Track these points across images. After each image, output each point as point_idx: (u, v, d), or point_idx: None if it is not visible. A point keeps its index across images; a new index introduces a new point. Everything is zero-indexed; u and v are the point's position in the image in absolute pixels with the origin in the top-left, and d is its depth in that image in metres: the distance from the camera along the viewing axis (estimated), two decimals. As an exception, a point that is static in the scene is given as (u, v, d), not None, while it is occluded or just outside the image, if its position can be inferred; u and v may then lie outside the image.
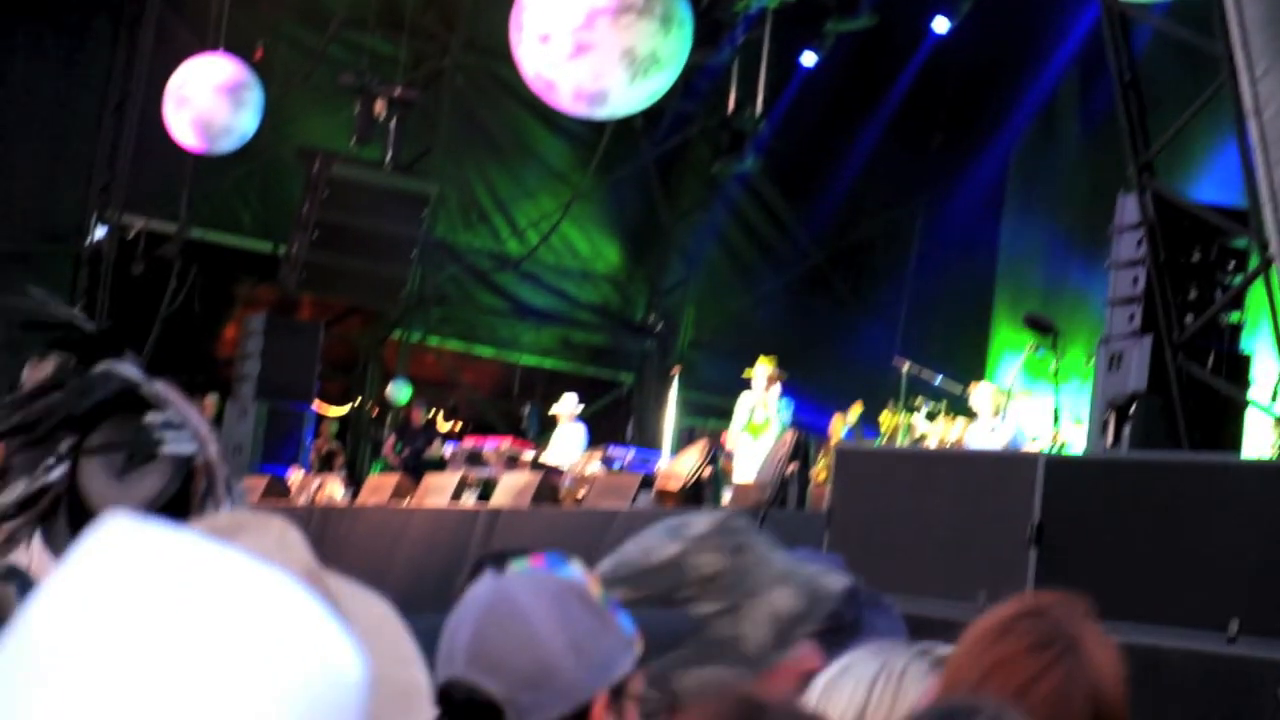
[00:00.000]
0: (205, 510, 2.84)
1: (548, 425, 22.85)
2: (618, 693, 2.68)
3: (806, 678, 3.09)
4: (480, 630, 2.68)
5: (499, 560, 5.28)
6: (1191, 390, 13.96)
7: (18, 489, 2.88)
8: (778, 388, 19.16)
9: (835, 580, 3.13)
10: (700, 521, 3.06)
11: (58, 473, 2.90)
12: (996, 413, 17.80)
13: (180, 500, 2.81)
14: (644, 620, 2.80)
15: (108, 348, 3.04)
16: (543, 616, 2.65)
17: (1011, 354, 20.98)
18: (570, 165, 27.10)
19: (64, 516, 2.88)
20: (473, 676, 2.65)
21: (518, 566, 2.79)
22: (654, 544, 3.02)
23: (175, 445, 2.91)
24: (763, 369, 19.11)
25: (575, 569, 2.79)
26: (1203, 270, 14.56)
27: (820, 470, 17.89)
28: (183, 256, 24.80)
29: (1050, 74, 23.34)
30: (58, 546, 2.92)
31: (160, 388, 2.97)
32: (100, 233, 24.82)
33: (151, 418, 2.90)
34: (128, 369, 2.96)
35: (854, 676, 2.95)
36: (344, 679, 1.31)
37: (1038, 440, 17.42)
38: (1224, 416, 14.07)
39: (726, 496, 16.93)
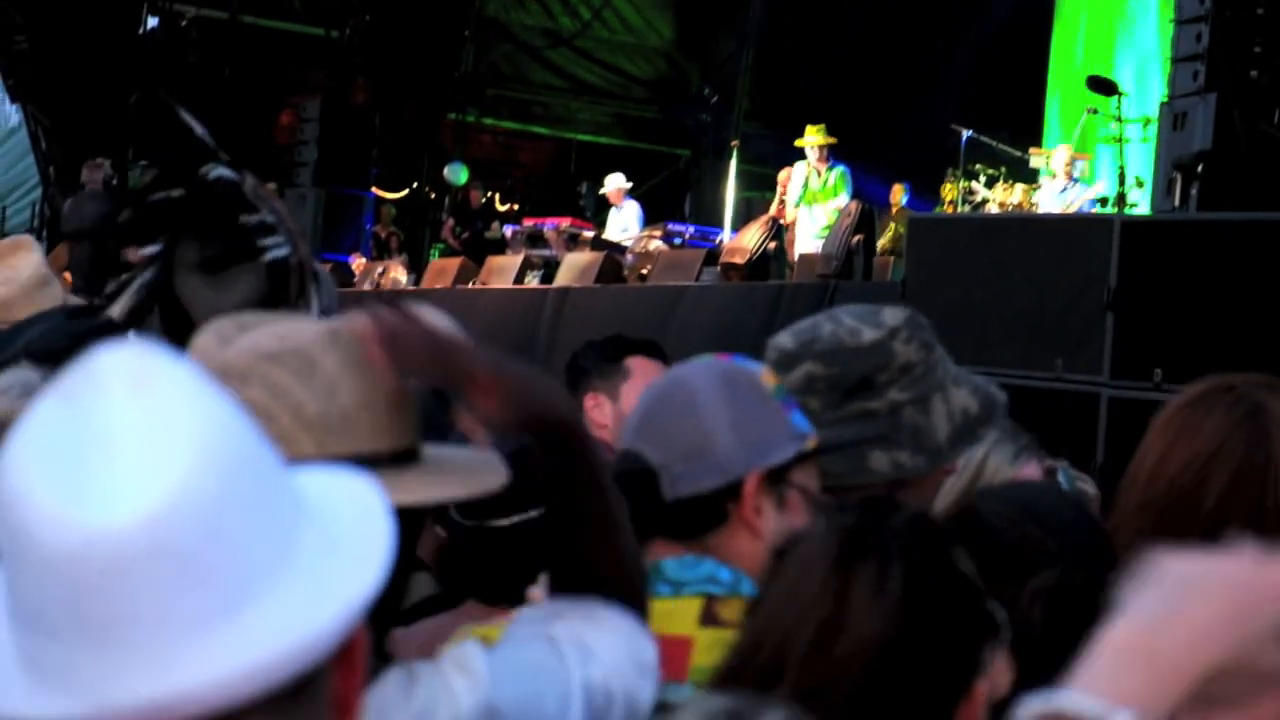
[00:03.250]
0: (298, 309, 2.85)
1: (606, 204, 22.80)
2: (776, 478, 2.73)
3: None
4: (651, 405, 2.80)
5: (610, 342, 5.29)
6: (1259, 147, 13.82)
7: (122, 300, 2.88)
8: (841, 166, 19.00)
9: (997, 390, 3.15)
10: (894, 312, 3.07)
11: (149, 274, 2.90)
12: (1069, 175, 17.69)
13: (274, 300, 2.82)
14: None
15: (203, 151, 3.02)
16: (707, 394, 2.73)
17: (1070, 116, 20.76)
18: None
19: (157, 318, 2.89)
20: (638, 446, 2.75)
21: (704, 358, 2.88)
22: (855, 325, 3.02)
23: (274, 250, 2.91)
24: (812, 138, 18.95)
25: (758, 365, 2.86)
26: (1268, 24, 14.33)
27: (886, 241, 17.86)
28: (235, 44, 24.69)
29: None
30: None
31: (255, 186, 2.96)
32: (152, 22, 24.70)
33: (246, 219, 2.89)
34: (227, 171, 2.96)
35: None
36: None
37: (1103, 203, 17.32)
38: (1294, 172, 13.93)
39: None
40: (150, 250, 2.91)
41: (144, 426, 1.44)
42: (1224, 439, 2.99)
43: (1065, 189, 17.56)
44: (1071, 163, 17.86)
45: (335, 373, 2.15)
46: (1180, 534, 2.37)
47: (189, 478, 1.43)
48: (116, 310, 2.90)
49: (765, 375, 2.83)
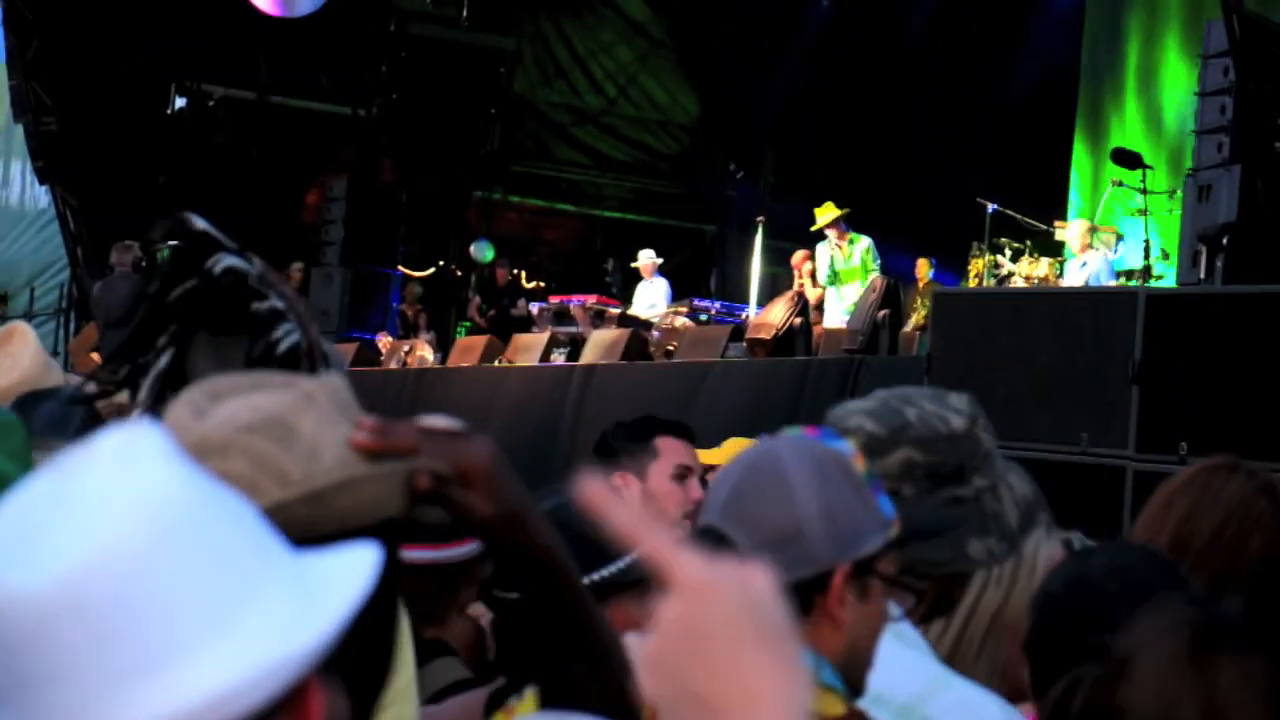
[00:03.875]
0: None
1: (631, 280, 22.84)
2: (863, 569, 2.67)
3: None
4: (740, 483, 2.70)
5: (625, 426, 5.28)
6: (1284, 219, 13.80)
7: (143, 391, 2.89)
8: (864, 238, 19.02)
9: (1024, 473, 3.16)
10: (961, 398, 3.05)
11: (164, 360, 2.91)
12: (1085, 248, 17.67)
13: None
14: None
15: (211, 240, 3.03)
16: (802, 479, 2.65)
17: (1095, 190, 20.79)
18: (646, 15, 26.95)
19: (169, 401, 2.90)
20: (725, 526, 2.66)
21: (791, 432, 2.80)
22: (939, 411, 2.99)
23: (286, 338, 2.92)
24: (825, 217, 18.96)
25: (846, 444, 2.78)
26: (1292, 96, 14.34)
27: (918, 318, 17.84)
28: (262, 124, 24.84)
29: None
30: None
31: (262, 271, 2.97)
32: (180, 102, 24.86)
33: (257, 307, 2.90)
34: (237, 259, 2.96)
35: None
36: None
37: (1128, 276, 17.30)
38: (1320, 244, 13.90)
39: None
40: (162, 340, 2.92)
41: (93, 495, 1.48)
42: (1249, 504, 3.08)
43: (1085, 263, 17.54)
44: (1089, 235, 17.84)
45: (314, 434, 2.15)
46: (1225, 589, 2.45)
47: (113, 539, 1.46)
48: (138, 399, 2.91)
49: (857, 457, 2.75)
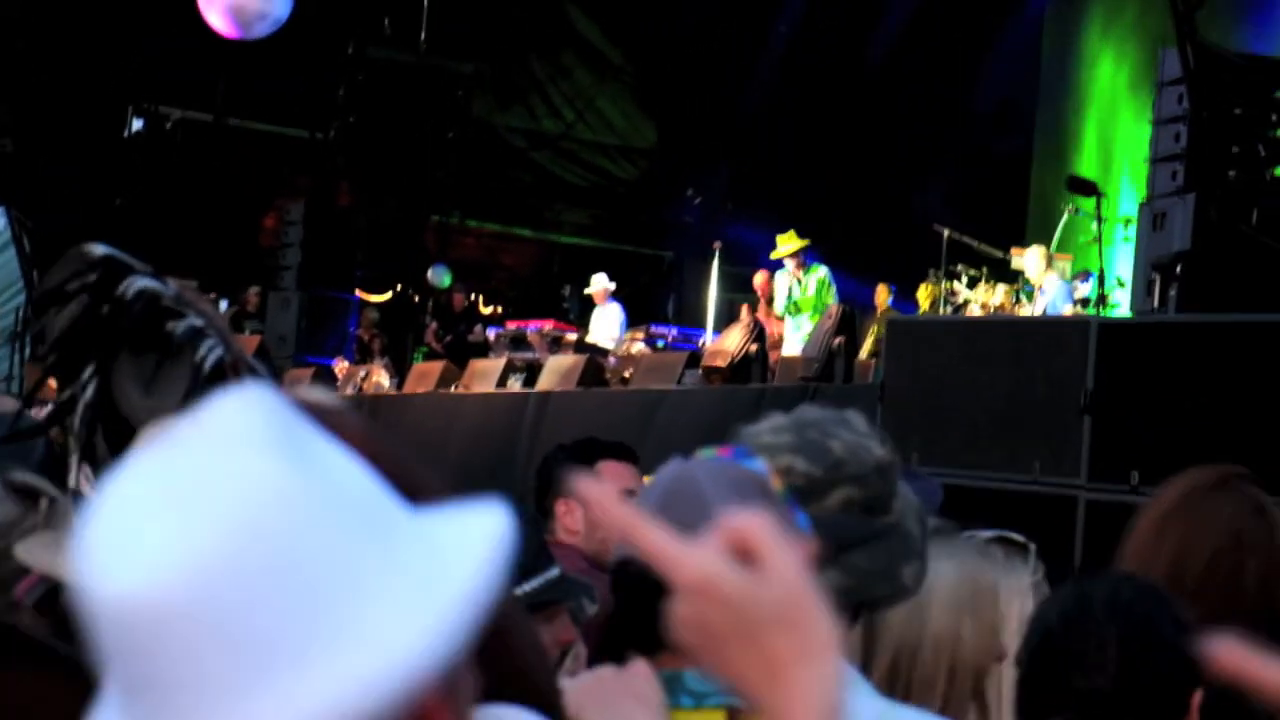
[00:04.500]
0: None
1: (589, 306, 22.83)
2: None
3: None
4: (659, 508, 2.64)
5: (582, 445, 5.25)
6: (1237, 248, 13.82)
7: (76, 429, 2.88)
8: (821, 268, 19.07)
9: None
10: (859, 418, 3.01)
11: (90, 391, 2.91)
12: (1043, 276, 17.70)
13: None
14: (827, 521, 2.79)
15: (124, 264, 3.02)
16: (722, 500, 2.61)
17: (1052, 217, 20.85)
18: (604, 40, 26.97)
19: (100, 434, 2.89)
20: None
21: (704, 454, 2.78)
22: (855, 441, 2.95)
23: (209, 353, 2.91)
24: (785, 246, 19.00)
25: (759, 463, 2.77)
26: (1246, 124, 14.37)
27: (871, 344, 17.87)
28: (219, 146, 24.80)
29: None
30: (98, 463, 2.92)
31: (179, 292, 2.96)
32: (137, 124, 24.80)
33: (173, 325, 2.90)
34: (150, 281, 2.95)
35: None
36: None
37: (1085, 304, 17.34)
38: (1273, 273, 13.93)
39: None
40: (85, 373, 2.92)
41: (207, 482, 1.44)
42: (1242, 528, 3.10)
43: (1043, 289, 17.58)
44: (1045, 261, 17.87)
45: None
46: (1224, 618, 2.45)
47: (231, 534, 1.42)
48: (73, 442, 2.92)
49: (773, 476, 2.75)
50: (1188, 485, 3.36)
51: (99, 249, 2.79)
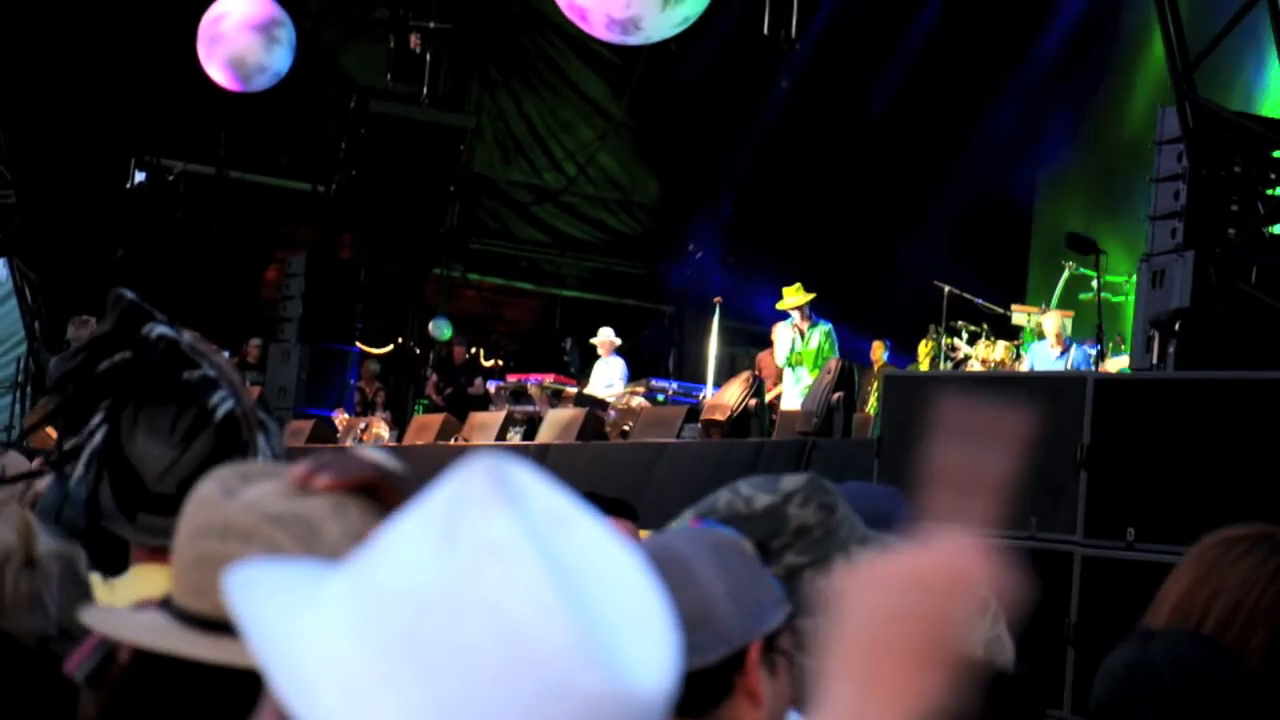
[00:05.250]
0: (246, 458, 2.85)
1: (589, 359, 22.84)
2: (769, 646, 2.73)
3: None
4: None
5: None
6: (1236, 305, 13.84)
7: (81, 475, 2.88)
8: (826, 323, 19.11)
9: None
10: (793, 478, 3.09)
11: (99, 438, 2.90)
12: (1061, 337, 17.71)
13: (223, 453, 2.81)
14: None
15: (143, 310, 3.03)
16: (702, 564, 2.71)
17: (1052, 274, 20.87)
18: (606, 95, 27.06)
19: (106, 478, 2.88)
20: None
21: (678, 525, 2.91)
22: (750, 493, 3.04)
23: (221, 404, 2.91)
24: (791, 299, 19.04)
25: (733, 530, 2.87)
26: (1244, 182, 14.40)
27: (872, 398, 17.87)
28: (222, 198, 24.85)
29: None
30: (102, 514, 2.92)
31: (193, 342, 2.97)
32: (139, 177, 24.85)
33: (189, 375, 2.90)
34: (168, 329, 2.96)
35: None
36: None
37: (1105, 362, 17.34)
38: (1271, 331, 13.94)
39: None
40: (96, 418, 2.92)
41: (637, 586, 1.51)
42: (1256, 588, 3.12)
43: (1062, 354, 17.53)
44: (1060, 324, 17.88)
45: (336, 542, 2.11)
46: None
47: (675, 660, 1.51)
48: (79, 487, 2.91)
49: (745, 541, 2.83)
50: (1227, 534, 3.38)
51: (128, 294, 2.81)
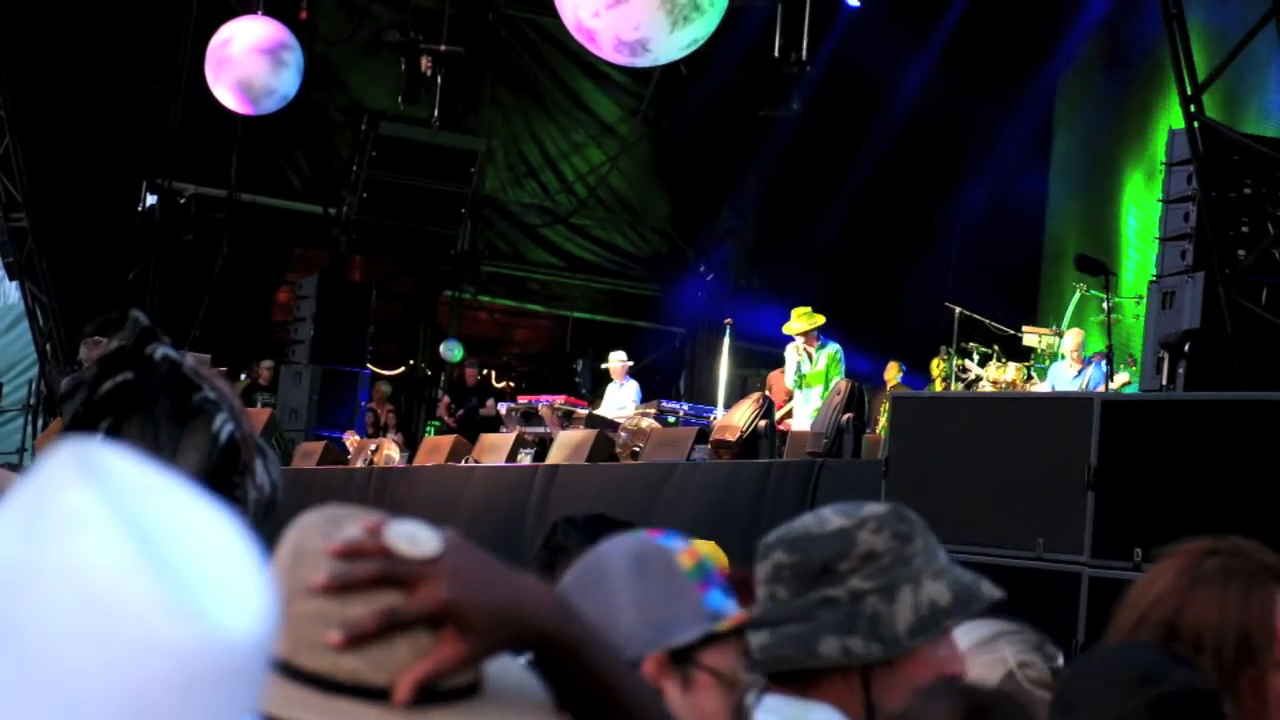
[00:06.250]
0: (244, 482, 2.85)
1: (601, 380, 22.84)
2: (681, 659, 2.75)
3: (944, 675, 3.14)
4: (568, 582, 2.82)
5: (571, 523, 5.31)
6: (1246, 326, 13.83)
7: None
8: (833, 345, 19.09)
9: (989, 587, 3.15)
10: (877, 505, 3.09)
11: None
12: (1079, 359, 17.74)
13: (221, 476, 2.82)
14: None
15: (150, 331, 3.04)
16: (618, 572, 2.76)
17: (1063, 295, 20.88)
18: (617, 117, 27.11)
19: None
20: None
21: (634, 533, 2.94)
22: (829, 515, 3.05)
23: (225, 429, 2.92)
24: (797, 324, 19.02)
25: (679, 542, 2.88)
26: (1254, 204, 14.40)
27: (883, 419, 17.86)
28: (233, 221, 24.89)
29: (1097, 7, 23.16)
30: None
31: (195, 364, 2.98)
32: (151, 200, 24.91)
33: (194, 397, 2.91)
34: (171, 350, 2.97)
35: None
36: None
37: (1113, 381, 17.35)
38: (1280, 352, 13.93)
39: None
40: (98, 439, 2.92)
41: (205, 533, 1.44)
42: (1229, 610, 3.16)
43: (1080, 373, 17.55)
44: (1076, 345, 17.90)
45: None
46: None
47: (270, 603, 1.43)
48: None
49: (684, 554, 2.83)
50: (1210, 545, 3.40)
51: (139, 314, 2.82)
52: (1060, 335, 18.78)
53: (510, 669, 2.02)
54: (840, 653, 2.99)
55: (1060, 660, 3.98)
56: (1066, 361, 18.00)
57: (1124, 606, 3.21)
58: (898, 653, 3.04)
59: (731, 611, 2.82)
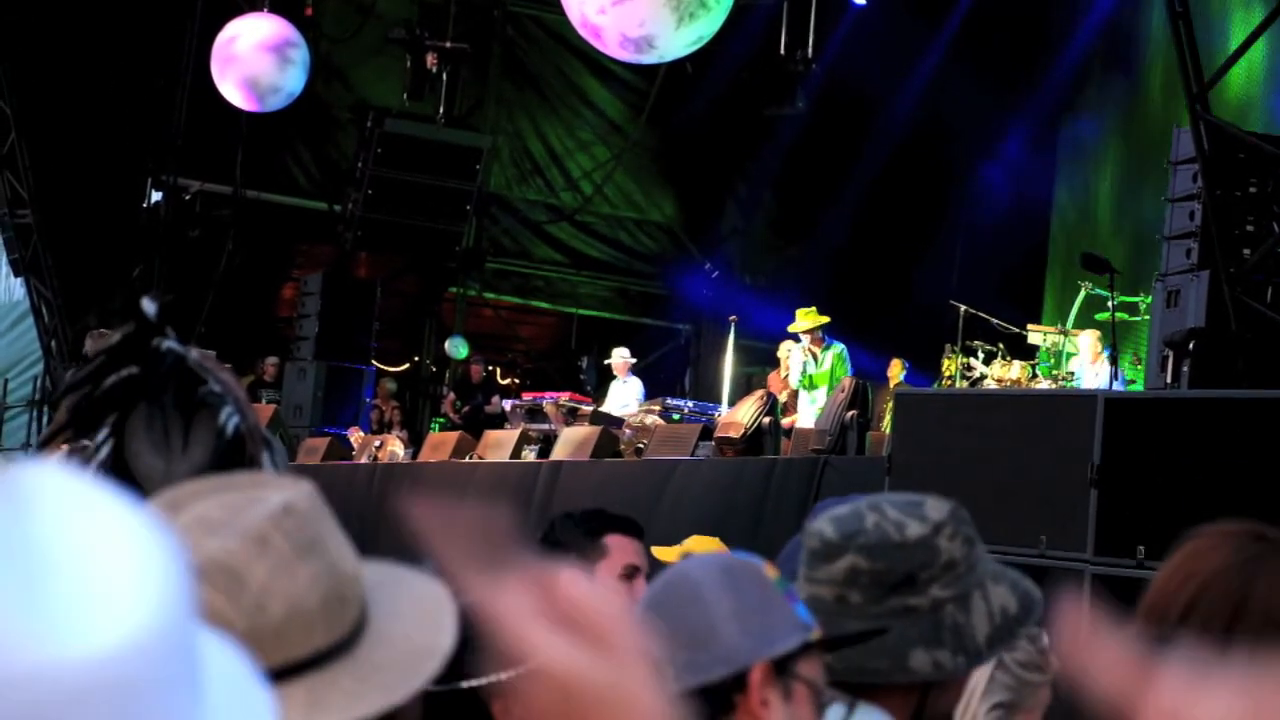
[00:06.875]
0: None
1: (606, 377, 22.83)
2: (782, 669, 2.71)
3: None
4: (654, 597, 2.80)
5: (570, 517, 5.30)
6: (1250, 325, 13.81)
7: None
8: (838, 345, 19.09)
9: (1031, 584, 3.13)
10: (938, 506, 3.04)
11: (105, 450, 2.89)
12: (1097, 358, 17.71)
13: (227, 469, 2.81)
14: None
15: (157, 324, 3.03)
16: (711, 584, 2.73)
17: (1068, 294, 20.86)
18: (622, 114, 27.11)
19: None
20: None
21: (703, 554, 2.96)
22: (899, 518, 2.99)
23: (230, 422, 2.91)
24: (802, 323, 19.02)
25: (755, 557, 2.87)
26: (1260, 202, 14.37)
27: (887, 417, 17.86)
28: (238, 218, 24.90)
29: (1104, 4, 23.15)
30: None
31: (199, 358, 2.97)
32: (156, 196, 24.91)
33: (200, 390, 2.90)
34: (175, 344, 2.96)
35: None
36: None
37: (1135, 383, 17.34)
38: (1286, 351, 13.91)
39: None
40: (102, 433, 2.91)
41: (95, 548, 1.36)
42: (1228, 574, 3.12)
43: (1098, 374, 17.54)
44: (1099, 344, 17.87)
45: (263, 585, 2.08)
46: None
47: (156, 612, 1.35)
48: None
49: (767, 567, 2.81)
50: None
51: (146, 304, 2.81)
52: (1065, 334, 18.76)
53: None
54: (931, 667, 2.96)
55: (1046, 640, 3.96)
56: (1086, 359, 17.98)
57: (1159, 592, 3.13)
58: (978, 665, 3.03)
59: (813, 623, 2.80)
